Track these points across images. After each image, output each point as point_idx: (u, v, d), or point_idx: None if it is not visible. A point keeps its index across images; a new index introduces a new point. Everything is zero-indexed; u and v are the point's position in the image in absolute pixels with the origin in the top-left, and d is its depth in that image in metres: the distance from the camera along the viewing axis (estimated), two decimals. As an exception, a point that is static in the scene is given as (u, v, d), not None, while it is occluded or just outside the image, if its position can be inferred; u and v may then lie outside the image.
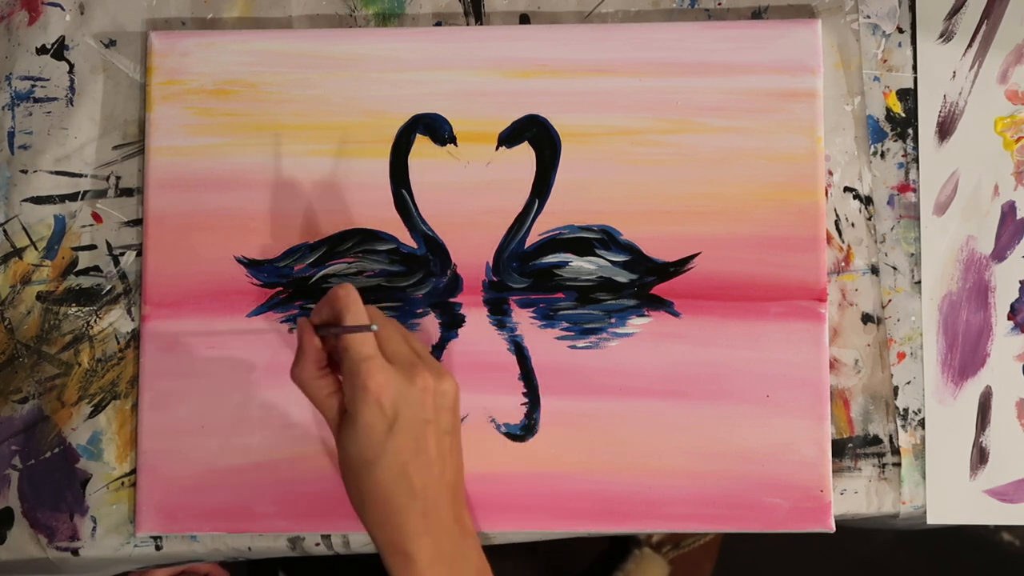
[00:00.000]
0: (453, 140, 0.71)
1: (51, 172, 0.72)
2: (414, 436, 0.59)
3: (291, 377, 0.62)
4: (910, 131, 0.72)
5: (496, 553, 0.67)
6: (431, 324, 0.70)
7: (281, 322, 0.70)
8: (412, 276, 0.70)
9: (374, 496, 0.59)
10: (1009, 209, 0.71)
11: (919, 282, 0.71)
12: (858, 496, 0.69)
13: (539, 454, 0.69)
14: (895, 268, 0.71)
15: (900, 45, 0.72)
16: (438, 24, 0.73)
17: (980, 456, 0.70)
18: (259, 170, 0.71)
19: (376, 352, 0.59)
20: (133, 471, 0.70)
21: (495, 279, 0.70)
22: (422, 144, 0.71)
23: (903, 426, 0.70)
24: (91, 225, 0.72)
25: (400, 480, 0.59)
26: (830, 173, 0.71)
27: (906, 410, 0.70)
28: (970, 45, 0.72)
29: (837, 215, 0.71)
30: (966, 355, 0.70)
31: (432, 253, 0.70)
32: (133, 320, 0.71)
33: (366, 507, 0.59)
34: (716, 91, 0.70)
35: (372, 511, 0.59)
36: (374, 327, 0.58)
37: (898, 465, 0.70)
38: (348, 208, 0.70)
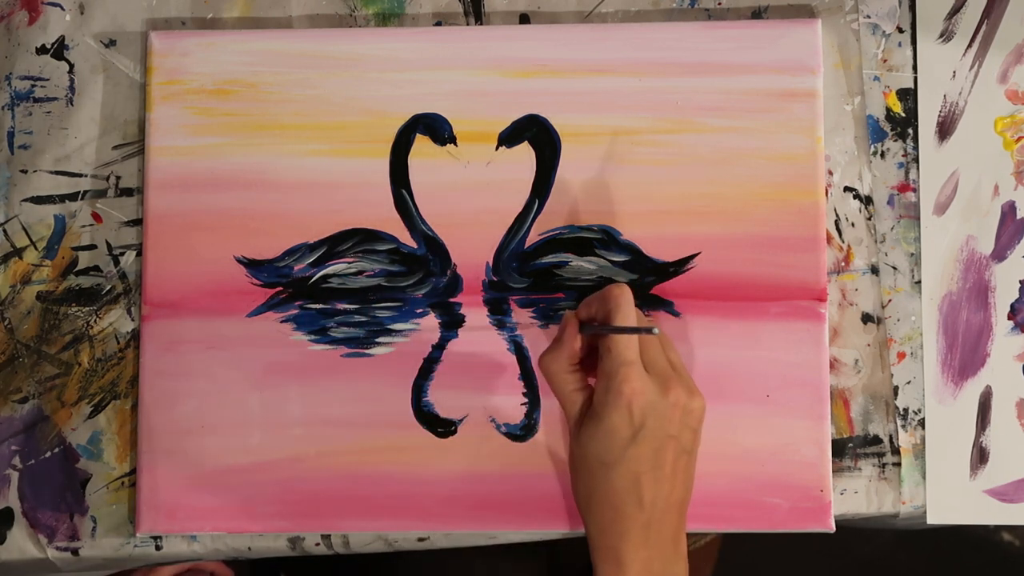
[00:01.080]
0: (453, 140, 0.71)
1: (51, 172, 0.72)
2: (654, 448, 0.59)
3: (539, 364, 0.62)
4: (910, 131, 0.72)
5: (496, 553, 0.67)
6: (431, 324, 0.70)
7: (281, 322, 0.70)
8: (412, 276, 0.70)
9: (603, 499, 0.59)
10: (1009, 209, 0.71)
11: (919, 282, 0.71)
12: (858, 496, 0.69)
13: (539, 454, 0.69)
14: (895, 268, 0.71)
15: (900, 45, 0.72)
16: (438, 24, 0.73)
17: (980, 456, 0.70)
18: (259, 170, 0.71)
19: (637, 358, 0.59)
20: (133, 471, 0.70)
21: (495, 279, 0.70)
22: (422, 144, 0.71)
23: (903, 426, 0.70)
24: (91, 225, 0.72)
25: (632, 489, 0.59)
26: (830, 173, 0.71)
27: (906, 410, 0.70)
28: (970, 45, 0.72)
29: (837, 215, 0.71)
30: (966, 355, 0.70)
31: (432, 253, 0.70)
32: (133, 320, 0.71)
33: (592, 507, 0.60)
34: (716, 91, 0.70)
35: (597, 513, 0.60)
36: (655, 330, 0.58)
37: (898, 465, 0.70)
38: (348, 208, 0.70)
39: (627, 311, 0.60)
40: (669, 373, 0.60)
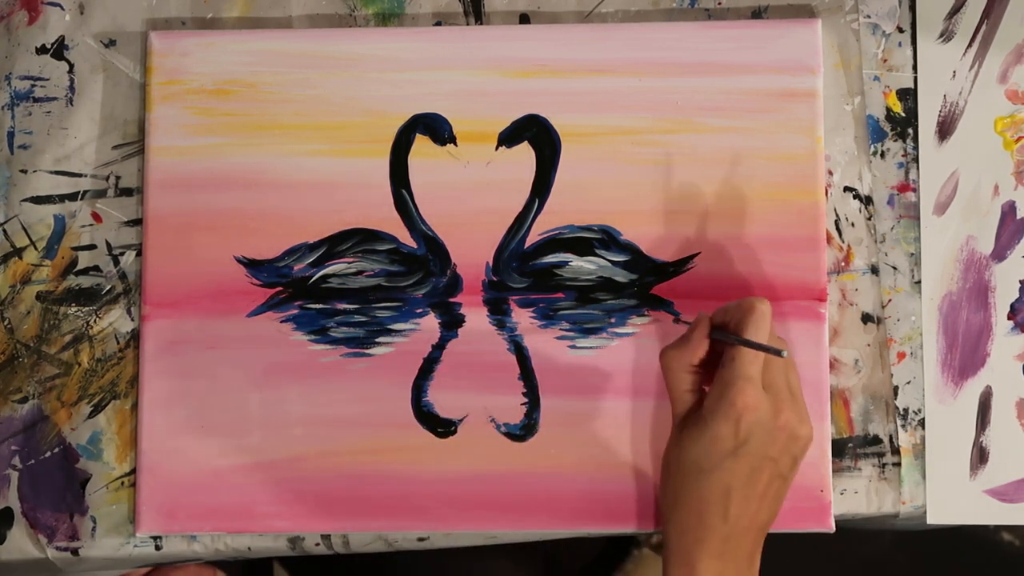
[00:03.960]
0: (453, 140, 0.71)
1: (51, 172, 0.72)
2: (752, 466, 0.59)
3: (661, 356, 0.62)
4: (910, 131, 0.72)
5: (496, 553, 0.67)
6: (431, 324, 0.70)
7: (281, 322, 0.70)
8: (412, 276, 0.70)
9: (689, 504, 0.59)
10: (1009, 209, 0.71)
11: (919, 282, 0.71)
12: (858, 496, 0.69)
13: (539, 454, 0.69)
14: (895, 268, 0.71)
15: (900, 45, 0.72)
16: (438, 24, 0.73)
17: (980, 456, 0.70)
18: (259, 170, 0.71)
19: (758, 375, 0.59)
20: (133, 471, 0.70)
21: (495, 279, 0.70)
22: (422, 144, 0.71)
23: (903, 426, 0.70)
24: (91, 225, 0.72)
25: (720, 500, 0.59)
26: (830, 173, 0.71)
27: (906, 410, 0.70)
28: (970, 45, 0.72)
29: (837, 215, 0.71)
30: (966, 355, 0.70)
31: (432, 253, 0.70)
32: (133, 320, 0.71)
33: (676, 509, 0.60)
34: (716, 91, 0.70)
35: (680, 515, 0.60)
36: (784, 353, 0.59)
37: (898, 465, 0.70)
38: (348, 208, 0.70)
39: (762, 327, 0.59)
40: (785, 396, 0.60)
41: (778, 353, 0.59)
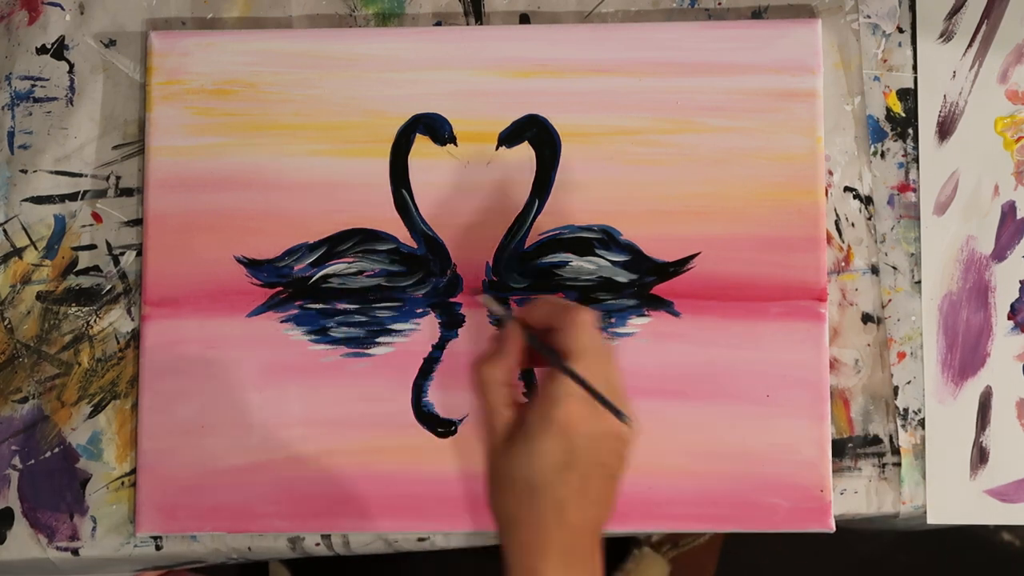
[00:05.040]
0: (453, 140, 0.71)
1: (51, 172, 0.72)
2: (584, 475, 0.57)
3: (473, 369, 0.59)
4: (910, 131, 0.72)
5: (496, 553, 0.67)
6: (431, 324, 0.70)
7: (281, 322, 0.70)
8: (412, 276, 0.70)
9: (527, 521, 0.58)
10: (1009, 209, 0.71)
11: (919, 282, 0.71)
12: (858, 496, 0.69)
13: (539, 454, 0.69)
14: (895, 268, 0.71)
15: (900, 45, 0.72)
16: (438, 24, 0.73)
17: (980, 456, 0.70)
18: (259, 170, 0.71)
19: (580, 388, 0.57)
20: (133, 471, 0.70)
21: (495, 279, 0.70)
22: (422, 144, 0.71)
23: (903, 426, 0.70)
24: (91, 225, 0.72)
25: (557, 513, 0.57)
26: (830, 173, 0.71)
27: (906, 410, 0.70)
28: (970, 45, 0.72)
29: (837, 215, 0.71)
30: (966, 355, 0.70)
31: (432, 253, 0.70)
32: (133, 320, 0.71)
33: (514, 527, 0.58)
34: (716, 91, 0.70)
35: (518, 532, 0.58)
36: (626, 418, 0.57)
37: (898, 465, 0.70)
38: (348, 208, 0.70)
39: (584, 336, 0.57)
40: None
41: (619, 415, 0.57)
